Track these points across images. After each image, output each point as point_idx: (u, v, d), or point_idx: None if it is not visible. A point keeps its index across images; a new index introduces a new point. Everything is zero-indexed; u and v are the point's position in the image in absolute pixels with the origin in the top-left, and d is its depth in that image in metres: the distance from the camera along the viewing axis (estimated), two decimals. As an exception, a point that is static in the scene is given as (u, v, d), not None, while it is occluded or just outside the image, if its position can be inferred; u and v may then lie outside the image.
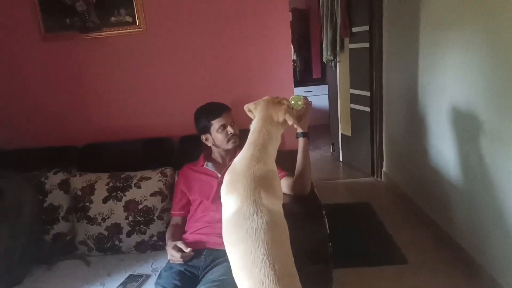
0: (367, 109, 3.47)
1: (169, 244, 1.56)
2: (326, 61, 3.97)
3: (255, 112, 1.29)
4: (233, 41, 2.04)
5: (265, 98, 1.33)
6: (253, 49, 2.05)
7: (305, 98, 1.43)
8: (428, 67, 2.47)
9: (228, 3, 2.00)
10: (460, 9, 2.04)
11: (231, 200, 1.08)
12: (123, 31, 2.00)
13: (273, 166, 1.18)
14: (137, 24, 1.98)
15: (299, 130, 1.47)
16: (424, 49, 2.51)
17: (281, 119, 1.25)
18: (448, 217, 2.33)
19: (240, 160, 1.16)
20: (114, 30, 2.00)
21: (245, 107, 1.33)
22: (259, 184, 1.07)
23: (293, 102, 1.37)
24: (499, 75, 1.75)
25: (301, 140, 1.52)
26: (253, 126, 1.26)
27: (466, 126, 2.06)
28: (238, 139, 1.65)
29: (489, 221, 1.90)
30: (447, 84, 2.23)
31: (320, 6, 3.83)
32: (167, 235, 1.66)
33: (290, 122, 1.26)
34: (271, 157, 1.20)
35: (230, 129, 1.62)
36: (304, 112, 1.46)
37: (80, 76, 2.09)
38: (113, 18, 1.98)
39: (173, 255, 1.51)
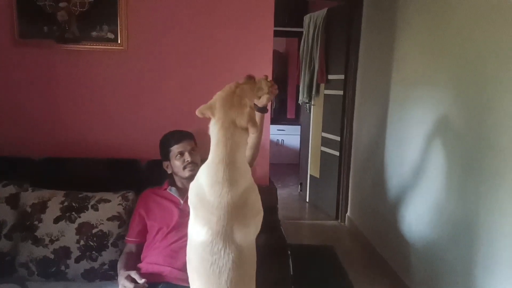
0: (337, 153, 3.56)
1: (122, 274, 1.44)
2: (301, 103, 4.09)
3: (212, 117, 1.10)
4: (214, 69, 2.04)
5: (220, 93, 1.10)
6: (234, 76, 2.07)
7: (271, 82, 1.26)
8: (395, 120, 2.60)
9: (215, 36, 2.02)
10: (428, 70, 2.19)
11: (202, 232, 1.03)
12: (103, 47, 1.96)
13: (246, 178, 1.06)
14: (119, 42, 1.95)
15: (258, 105, 1.31)
16: (393, 102, 2.65)
17: (244, 125, 1.04)
18: (406, 269, 2.34)
19: (211, 185, 1.03)
20: (93, 45, 1.95)
21: (198, 112, 1.10)
22: (234, 216, 1.01)
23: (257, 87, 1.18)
24: (462, 132, 1.86)
25: (257, 115, 1.29)
26: (214, 137, 1.06)
27: (428, 178, 2.14)
28: (196, 168, 1.60)
29: (447, 275, 1.93)
30: (411, 137, 2.34)
31: (300, 51, 4.01)
32: (119, 264, 1.54)
33: (251, 132, 1.05)
34: (242, 169, 1.05)
35: (187, 157, 1.59)
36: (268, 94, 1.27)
37: (50, 85, 1.99)
38: (94, 33, 1.94)
39: (125, 286, 1.39)
